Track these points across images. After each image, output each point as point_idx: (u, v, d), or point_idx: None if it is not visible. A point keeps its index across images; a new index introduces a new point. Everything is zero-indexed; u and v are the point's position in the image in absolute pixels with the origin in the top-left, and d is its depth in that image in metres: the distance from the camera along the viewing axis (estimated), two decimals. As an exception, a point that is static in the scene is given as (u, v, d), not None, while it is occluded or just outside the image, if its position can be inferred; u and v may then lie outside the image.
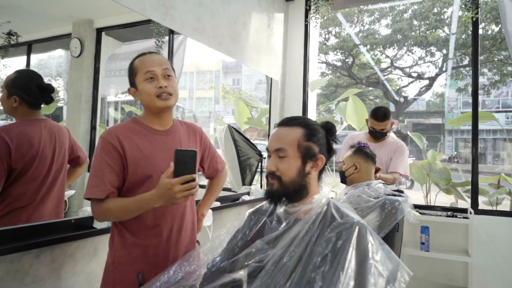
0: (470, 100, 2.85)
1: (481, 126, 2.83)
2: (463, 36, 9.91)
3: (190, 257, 1.06)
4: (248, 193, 2.79)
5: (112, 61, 2.07)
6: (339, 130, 4.95)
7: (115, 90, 2.25)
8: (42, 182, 1.45)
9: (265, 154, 2.95)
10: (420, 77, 12.62)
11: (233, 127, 2.72)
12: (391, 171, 2.34)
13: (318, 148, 1.00)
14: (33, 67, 1.80)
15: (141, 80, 1.18)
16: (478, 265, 2.67)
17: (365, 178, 1.79)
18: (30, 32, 1.74)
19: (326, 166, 1.05)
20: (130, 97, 1.26)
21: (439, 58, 11.83)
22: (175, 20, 2.10)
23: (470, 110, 2.84)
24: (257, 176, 2.94)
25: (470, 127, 2.83)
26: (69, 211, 1.70)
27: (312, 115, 3.60)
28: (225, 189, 2.83)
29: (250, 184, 2.84)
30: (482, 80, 10.35)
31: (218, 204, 2.34)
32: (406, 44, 11.67)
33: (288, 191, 0.97)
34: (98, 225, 1.56)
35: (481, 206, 2.83)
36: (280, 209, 1.02)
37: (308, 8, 3.40)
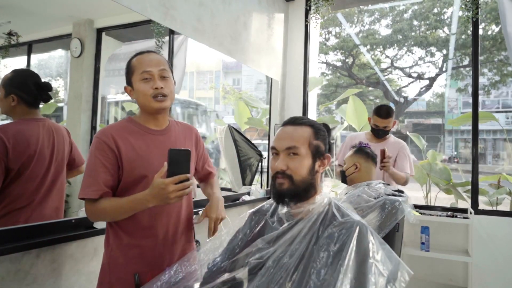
0: (470, 100, 2.85)
1: (481, 126, 2.83)
2: (463, 36, 9.91)
3: (191, 257, 1.06)
4: (248, 193, 2.79)
5: (112, 61, 2.07)
6: (339, 130, 4.95)
7: (115, 90, 2.25)
8: (40, 182, 1.43)
9: (265, 154, 2.95)
10: (420, 77, 12.63)
11: (233, 127, 2.72)
12: (402, 171, 2.34)
13: (324, 147, 1.01)
14: (33, 67, 1.80)
15: (137, 79, 1.16)
16: (478, 265, 2.67)
17: (365, 178, 1.79)
18: (31, 32, 1.74)
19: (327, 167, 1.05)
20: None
21: (439, 58, 11.83)
22: (175, 20, 2.10)
23: (470, 110, 2.84)
24: (257, 176, 2.94)
25: (470, 127, 2.83)
26: (69, 211, 1.70)
27: (312, 115, 3.60)
28: (225, 189, 2.83)
29: (250, 184, 2.84)
30: (482, 80, 10.35)
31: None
32: (406, 44, 11.67)
33: (299, 190, 0.96)
34: (98, 225, 1.56)
35: (481, 206, 2.83)
36: (283, 210, 1.01)
37: (308, 8, 3.40)
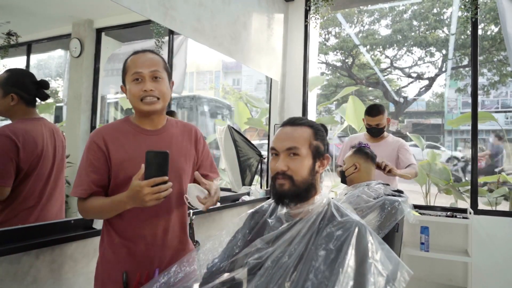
0: (470, 101, 2.85)
1: (480, 126, 2.84)
2: (462, 37, 9.92)
3: (190, 257, 1.06)
4: (248, 194, 2.79)
5: (111, 61, 2.07)
6: (339, 130, 4.95)
7: (114, 90, 2.25)
8: (46, 181, 1.44)
9: (265, 154, 2.95)
10: (419, 77, 12.63)
11: (233, 128, 2.72)
12: (408, 164, 2.34)
13: (323, 148, 1.01)
14: (32, 67, 1.80)
15: (129, 80, 1.16)
16: (477, 265, 2.67)
17: (365, 178, 1.79)
18: (30, 32, 1.74)
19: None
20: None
21: (438, 59, 11.83)
22: (175, 20, 2.10)
23: (469, 110, 2.85)
24: (257, 177, 2.94)
25: (469, 127, 2.84)
26: (69, 212, 1.70)
27: (312, 115, 3.60)
28: (225, 190, 2.83)
29: (250, 184, 2.84)
30: (481, 80, 10.35)
31: (218, 204, 2.34)
32: (405, 44, 11.67)
33: (300, 191, 0.95)
34: (97, 225, 1.56)
35: (481, 206, 2.83)
36: (282, 210, 1.01)
37: (308, 8, 3.41)
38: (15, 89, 1.39)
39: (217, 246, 1.09)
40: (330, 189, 3.94)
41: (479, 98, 2.93)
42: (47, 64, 1.94)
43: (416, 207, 3.01)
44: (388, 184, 1.90)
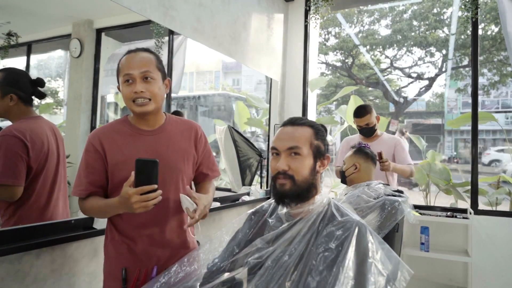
0: (470, 101, 2.85)
1: (480, 127, 2.84)
2: (462, 37, 9.91)
3: (191, 257, 1.06)
4: (248, 194, 2.79)
5: (111, 61, 2.07)
6: (340, 131, 4.95)
7: (114, 90, 2.25)
8: (54, 179, 1.47)
9: (265, 155, 2.94)
10: (419, 77, 12.62)
11: (233, 128, 2.72)
12: (405, 163, 2.37)
13: (324, 147, 1.01)
14: (32, 67, 1.79)
15: (121, 81, 1.16)
16: (477, 265, 2.67)
17: (365, 178, 1.79)
18: (30, 32, 1.73)
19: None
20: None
21: (438, 59, 11.83)
22: (175, 20, 2.10)
23: (469, 110, 2.84)
24: (256, 177, 2.94)
25: (469, 128, 2.84)
26: (69, 212, 1.70)
27: (312, 115, 3.60)
28: (225, 190, 2.83)
29: (250, 184, 2.84)
30: (481, 80, 10.35)
31: (218, 204, 2.34)
32: (405, 44, 11.67)
33: (301, 190, 0.95)
34: (98, 225, 1.56)
35: (481, 206, 2.83)
36: (283, 210, 1.02)
37: (308, 8, 3.41)
38: (13, 89, 1.39)
39: (217, 246, 1.09)
40: (330, 189, 3.94)
41: (479, 98, 2.92)
42: (47, 65, 1.94)
43: (416, 207, 3.01)
44: (388, 184, 1.90)
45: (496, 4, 2.72)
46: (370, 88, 13.69)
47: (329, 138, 1.14)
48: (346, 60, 12.64)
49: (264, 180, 3.16)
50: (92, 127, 1.91)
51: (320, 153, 1.00)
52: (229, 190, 2.78)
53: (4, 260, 1.24)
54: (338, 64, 12.85)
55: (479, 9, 2.76)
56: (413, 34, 11.24)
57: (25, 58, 1.73)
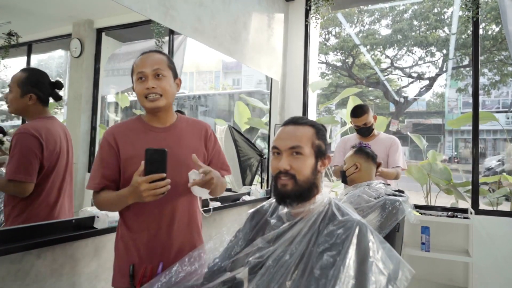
0: (471, 101, 2.85)
1: (481, 127, 2.84)
2: (463, 36, 9.91)
3: (191, 257, 1.06)
4: (249, 193, 2.79)
5: (112, 61, 2.07)
6: (340, 132, 4.95)
7: (115, 90, 2.25)
8: (63, 178, 1.50)
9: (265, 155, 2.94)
10: (420, 77, 12.63)
11: (233, 127, 2.72)
12: (393, 166, 2.38)
13: (325, 147, 1.01)
14: (33, 67, 1.79)
15: (135, 80, 1.22)
16: (478, 265, 2.67)
17: (365, 178, 1.79)
18: (30, 32, 1.74)
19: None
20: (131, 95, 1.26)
21: (439, 58, 11.83)
22: (175, 20, 2.10)
23: (470, 110, 2.84)
24: (257, 176, 2.94)
25: (470, 128, 2.83)
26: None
27: (312, 115, 3.60)
28: (225, 190, 2.83)
29: (251, 184, 2.84)
30: (482, 80, 10.34)
31: (218, 204, 2.34)
32: (406, 44, 11.67)
33: (302, 190, 0.95)
34: (98, 225, 1.56)
35: (482, 206, 2.83)
36: (283, 210, 1.01)
37: (308, 8, 3.40)
38: (33, 89, 1.43)
39: (218, 245, 1.09)
40: (330, 189, 3.94)
41: (480, 98, 2.92)
42: (47, 64, 1.94)
43: (417, 207, 3.01)
44: (389, 184, 1.89)
45: (497, 3, 2.71)
46: (370, 88, 13.70)
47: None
48: (347, 60, 12.64)
49: (265, 179, 3.16)
50: (92, 127, 1.91)
51: (321, 153, 0.99)
52: (229, 190, 2.78)
53: (4, 259, 1.24)
54: (339, 64, 12.85)
55: (480, 9, 2.76)
56: (413, 33, 11.24)
57: (25, 58, 1.74)
